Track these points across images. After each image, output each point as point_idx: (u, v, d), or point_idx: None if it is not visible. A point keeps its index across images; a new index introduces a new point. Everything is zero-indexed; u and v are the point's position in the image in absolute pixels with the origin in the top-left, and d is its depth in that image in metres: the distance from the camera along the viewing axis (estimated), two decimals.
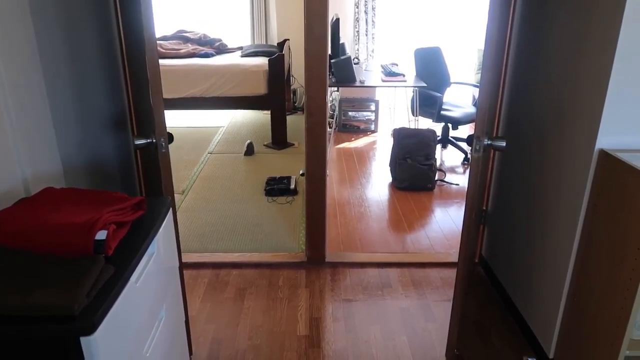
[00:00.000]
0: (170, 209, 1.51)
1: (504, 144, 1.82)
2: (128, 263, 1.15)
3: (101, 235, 1.13)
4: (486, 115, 1.79)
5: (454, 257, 2.87)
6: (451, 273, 2.72)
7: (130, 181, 2.34)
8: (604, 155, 1.64)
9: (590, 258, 1.72)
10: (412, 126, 4.86)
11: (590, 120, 1.69)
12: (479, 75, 5.62)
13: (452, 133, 4.80)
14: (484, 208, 2.76)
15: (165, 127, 1.85)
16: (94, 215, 1.16)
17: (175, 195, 3.66)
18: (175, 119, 5.87)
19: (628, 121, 1.63)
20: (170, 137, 1.89)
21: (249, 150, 4.69)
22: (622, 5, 1.51)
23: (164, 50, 5.15)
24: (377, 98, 5.62)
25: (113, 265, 1.11)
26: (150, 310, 1.31)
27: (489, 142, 1.79)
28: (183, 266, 2.65)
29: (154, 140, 1.78)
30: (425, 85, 4.35)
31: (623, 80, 1.58)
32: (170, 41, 5.59)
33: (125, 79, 2.23)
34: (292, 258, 2.87)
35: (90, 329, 0.95)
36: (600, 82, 1.63)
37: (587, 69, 1.73)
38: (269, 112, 4.95)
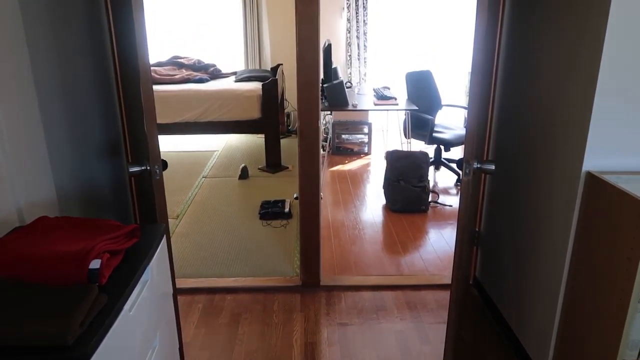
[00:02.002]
0: (164, 236, 1.52)
1: (493, 167, 1.85)
2: (122, 291, 1.16)
3: (95, 264, 1.14)
4: (475, 139, 1.83)
5: (448, 279, 2.87)
6: (446, 295, 2.72)
7: (125, 208, 2.35)
8: (591, 177, 1.67)
9: (581, 279, 1.73)
10: (405, 148, 4.91)
11: (576, 144, 1.73)
12: None
13: (445, 155, 4.84)
14: (477, 229, 2.78)
15: (160, 155, 1.87)
16: (87, 244, 1.17)
17: (169, 219, 3.67)
18: (170, 144, 5.90)
19: (613, 144, 1.67)
20: (164, 164, 1.91)
21: (244, 174, 4.71)
22: (603, 33, 1.56)
23: (158, 76, 5.21)
24: (370, 121, 5.69)
25: (107, 293, 1.12)
26: (144, 338, 1.31)
27: (478, 166, 1.82)
28: (177, 292, 2.64)
29: (148, 168, 1.80)
30: (417, 108, 4.41)
31: (607, 105, 1.62)
32: (165, 67, 5.66)
33: (120, 106, 2.26)
34: (286, 282, 2.86)
35: (84, 359, 0.95)
36: (585, 107, 1.67)
37: (572, 93, 1.78)
38: (263, 135, 5.00)
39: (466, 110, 5.49)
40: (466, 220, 1.89)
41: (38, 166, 1.58)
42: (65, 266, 1.13)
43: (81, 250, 1.15)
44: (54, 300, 1.06)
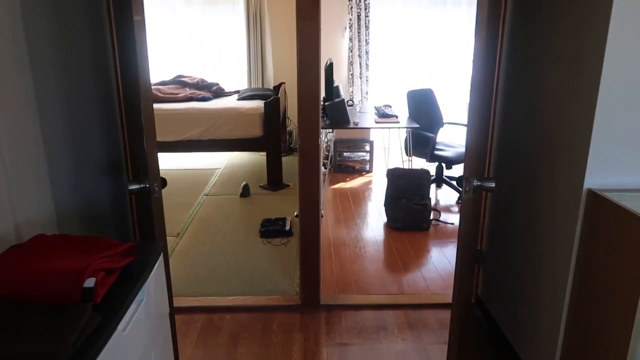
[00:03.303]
0: (162, 254, 1.51)
1: (493, 184, 1.84)
2: (116, 311, 1.14)
3: (89, 282, 1.13)
4: (475, 156, 1.82)
5: (450, 298, 2.83)
6: (448, 314, 2.69)
7: (125, 226, 2.34)
8: (593, 195, 1.66)
9: (584, 298, 1.71)
10: (406, 166, 4.91)
11: (578, 161, 1.72)
12: None
13: (446, 172, 4.84)
14: (479, 248, 2.76)
15: (159, 172, 1.87)
16: (82, 262, 1.17)
17: (170, 238, 3.66)
18: (172, 162, 5.92)
19: (615, 162, 1.66)
20: (163, 182, 1.91)
21: (245, 192, 4.71)
22: (603, 51, 1.57)
23: (162, 95, 5.25)
24: (371, 139, 5.70)
25: (101, 313, 1.11)
26: (139, 358, 1.29)
27: (478, 183, 1.81)
28: (175, 311, 2.62)
29: (148, 185, 1.80)
30: (418, 126, 4.42)
31: (608, 122, 1.62)
32: (169, 86, 5.71)
33: (121, 124, 2.27)
34: (286, 301, 2.84)
35: None
36: (586, 124, 1.67)
37: (573, 110, 1.77)
38: (264, 153, 5.01)
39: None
40: (467, 238, 1.87)
41: (37, 183, 1.58)
42: (59, 284, 1.12)
43: (76, 268, 1.14)
44: (47, 320, 1.04)
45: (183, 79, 5.93)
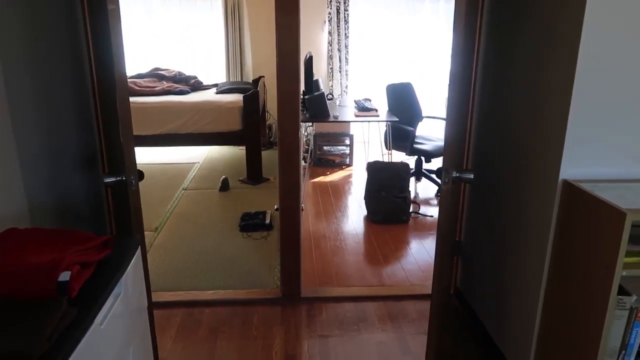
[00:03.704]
0: (139, 247, 1.49)
1: (471, 176, 1.86)
2: (92, 305, 1.12)
3: (64, 276, 1.11)
4: (453, 148, 1.84)
5: (429, 289, 2.86)
6: (427, 305, 2.71)
7: (101, 219, 2.30)
8: (568, 185, 1.69)
9: (559, 287, 1.74)
10: (386, 160, 4.93)
11: (553, 152, 1.75)
12: None
13: (425, 166, 4.88)
14: (457, 239, 2.79)
15: (136, 165, 1.84)
16: (57, 256, 1.14)
17: (148, 232, 3.61)
18: (150, 156, 5.82)
19: (590, 153, 1.69)
20: (140, 175, 1.88)
21: (224, 186, 4.67)
22: (578, 44, 1.59)
23: (138, 88, 5.16)
24: (351, 132, 5.70)
25: (77, 307, 1.08)
26: (117, 353, 1.27)
27: (457, 175, 1.82)
28: (154, 305, 2.58)
29: (124, 178, 1.76)
30: (398, 119, 4.45)
31: (583, 115, 1.65)
32: (146, 79, 5.61)
33: (96, 116, 2.22)
34: (267, 294, 2.83)
35: None
36: (562, 116, 1.69)
37: (548, 103, 1.80)
38: (244, 147, 4.97)
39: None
40: (446, 229, 1.89)
41: (8, 177, 1.53)
42: (33, 278, 1.09)
43: (50, 261, 1.11)
44: (21, 315, 1.02)
45: (160, 72, 5.84)
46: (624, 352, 1.57)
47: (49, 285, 1.09)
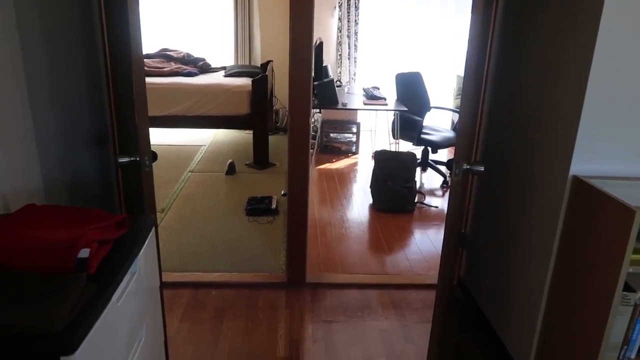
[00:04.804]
0: (153, 228, 1.51)
1: (482, 168, 1.87)
2: (110, 282, 1.14)
3: (84, 253, 1.13)
4: (466, 141, 1.85)
5: (433, 279, 2.89)
6: (430, 294, 2.75)
7: (110, 199, 2.32)
8: (578, 181, 1.70)
9: (564, 281, 1.76)
10: (393, 149, 4.94)
11: (564, 148, 1.76)
12: (458, 100, 5.76)
13: (432, 156, 4.88)
14: (463, 231, 2.81)
15: (150, 146, 1.85)
16: (76, 233, 1.16)
17: None
18: (156, 137, 5.84)
19: (601, 149, 1.70)
20: (154, 156, 1.89)
21: (231, 170, 4.69)
22: (594, 40, 1.59)
23: (147, 68, 5.15)
24: (358, 120, 5.70)
25: (95, 283, 1.11)
26: (131, 329, 1.29)
27: (467, 167, 1.83)
28: (162, 285, 2.61)
29: (138, 159, 1.78)
30: (406, 109, 4.44)
31: (595, 111, 1.65)
32: (154, 59, 5.60)
33: (109, 96, 2.23)
34: (272, 278, 2.86)
35: (71, 348, 0.94)
36: (574, 111, 1.70)
37: (561, 98, 1.80)
38: (251, 131, 4.97)
39: (454, 113, 5.55)
40: (454, 220, 1.90)
41: (25, 153, 1.55)
42: (53, 255, 1.11)
43: (70, 238, 1.14)
44: (42, 289, 1.04)
45: (168, 52, 5.82)
46: (626, 347, 1.59)
47: (68, 261, 1.11)
